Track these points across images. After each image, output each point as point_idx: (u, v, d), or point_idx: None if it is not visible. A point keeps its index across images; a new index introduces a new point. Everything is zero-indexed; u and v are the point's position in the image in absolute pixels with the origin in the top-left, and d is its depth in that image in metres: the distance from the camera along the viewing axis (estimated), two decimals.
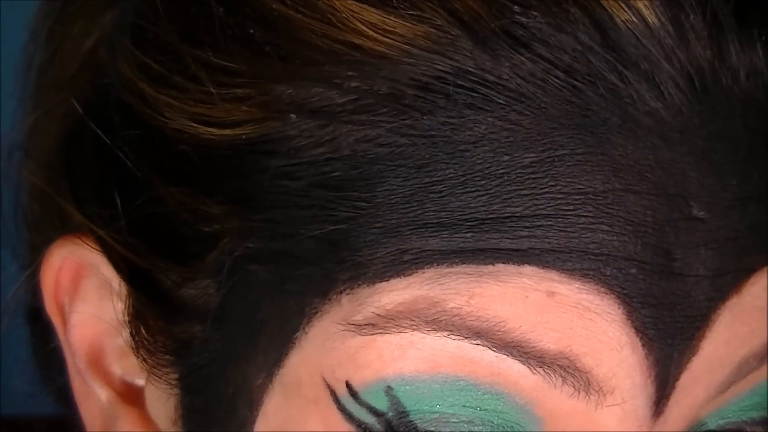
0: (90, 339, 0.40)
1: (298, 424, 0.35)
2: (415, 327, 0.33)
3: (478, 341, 0.33)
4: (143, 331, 0.39)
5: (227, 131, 0.34)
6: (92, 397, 0.40)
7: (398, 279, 0.33)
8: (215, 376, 0.37)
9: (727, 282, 0.35)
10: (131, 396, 0.40)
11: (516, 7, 0.32)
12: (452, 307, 0.33)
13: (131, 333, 0.39)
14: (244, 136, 0.34)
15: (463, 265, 0.33)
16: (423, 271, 0.33)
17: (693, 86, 0.33)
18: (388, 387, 0.33)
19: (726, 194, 0.34)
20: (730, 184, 0.34)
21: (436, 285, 0.33)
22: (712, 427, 0.36)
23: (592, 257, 0.33)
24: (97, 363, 0.40)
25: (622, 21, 0.32)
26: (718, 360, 0.35)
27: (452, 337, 0.33)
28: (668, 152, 0.34)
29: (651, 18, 0.33)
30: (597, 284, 0.33)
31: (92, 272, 0.39)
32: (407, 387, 0.33)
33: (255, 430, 0.36)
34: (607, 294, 0.34)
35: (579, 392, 0.34)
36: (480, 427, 0.33)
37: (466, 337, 0.33)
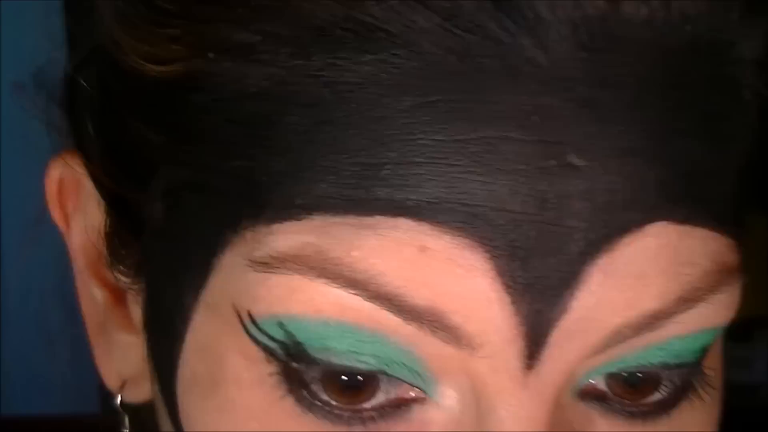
0: (87, 245, 0.42)
1: (216, 341, 0.36)
2: (301, 272, 0.33)
3: (354, 291, 0.33)
4: (117, 244, 0.41)
5: (163, 68, 0.35)
6: (90, 296, 0.43)
7: (291, 222, 0.33)
8: (161, 290, 0.39)
9: (601, 237, 0.33)
10: (120, 300, 0.42)
11: None
12: (333, 257, 0.33)
13: (107, 246, 0.41)
14: (175, 73, 0.35)
15: (347, 216, 0.33)
16: (312, 217, 0.33)
17: (577, 35, 0.32)
18: (280, 322, 0.34)
19: (605, 143, 0.32)
20: (611, 132, 0.32)
21: (322, 233, 0.33)
22: (613, 370, 0.35)
23: (463, 209, 0.32)
24: (93, 266, 0.42)
25: None
26: (591, 322, 0.33)
27: (332, 285, 0.33)
28: (548, 99, 0.32)
29: None
30: (466, 238, 0.32)
31: (86, 185, 0.41)
32: (296, 324, 0.34)
33: (185, 342, 0.37)
34: (476, 248, 0.32)
35: (451, 342, 0.33)
36: (365, 358, 0.34)
37: (344, 287, 0.33)
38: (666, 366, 0.35)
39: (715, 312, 0.35)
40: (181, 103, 0.35)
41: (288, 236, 0.33)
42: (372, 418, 0.34)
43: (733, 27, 0.34)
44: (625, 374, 0.35)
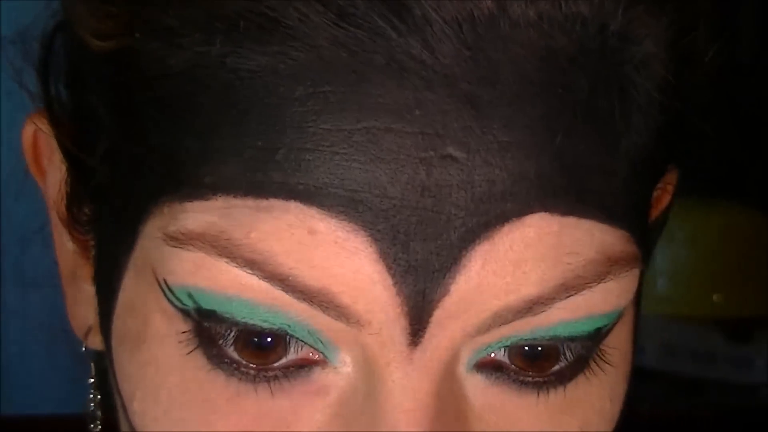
0: (59, 198, 0.44)
1: (142, 300, 0.38)
2: (205, 250, 0.35)
3: (252, 271, 0.35)
4: (75, 202, 0.43)
5: (102, 43, 0.38)
6: (64, 247, 0.45)
7: (199, 202, 0.35)
8: (103, 249, 0.42)
9: (480, 226, 0.34)
10: (87, 252, 0.44)
11: None
12: (233, 239, 0.35)
13: (67, 203, 0.43)
14: (111, 48, 0.38)
15: (246, 198, 0.35)
16: (216, 198, 0.35)
17: (463, 34, 0.34)
18: (189, 293, 0.37)
19: (486, 137, 0.34)
20: (492, 127, 0.34)
21: (225, 215, 0.35)
22: (508, 344, 0.37)
23: (347, 195, 0.34)
24: (66, 219, 0.44)
25: None
26: (471, 305, 0.35)
27: (233, 264, 0.35)
28: (430, 94, 0.34)
29: None
30: (351, 221, 0.34)
31: (54, 144, 0.44)
32: (203, 296, 0.36)
33: (118, 300, 0.40)
34: (359, 231, 0.34)
35: (341, 319, 0.35)
36: (270, 318, 0.36)
37: (243, 267, 0.35)
38: (557, 339, 0.37)
39: (604, 299, 0.37)
40: (115, 77, 0.38)
41: (196, 215, 0.36)
42: (276, 378, 0.37)
43: (625, 28, 0.35)
44: (526, 348, 0.37)
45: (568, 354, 0.37)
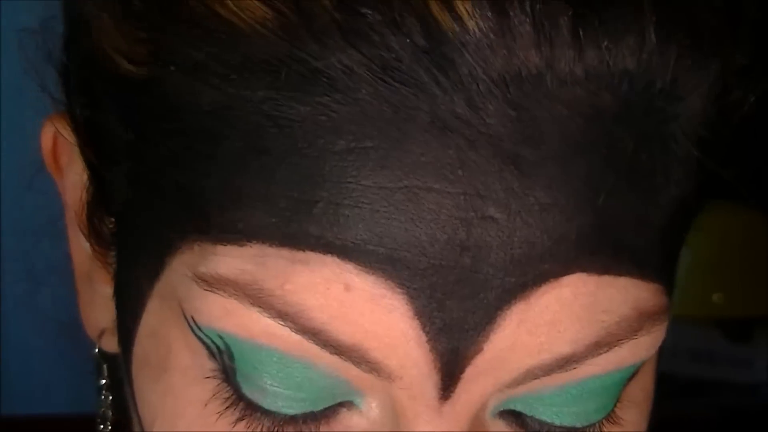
0: (76, 199, 0.43)
1: (167, 330, 0.38)
2: (237, 297, 0.35)
3: (284, 323, 0.35)
4: (95, 211, 0.42)
5: (132, 67, 0.37)
6: (79, 247, 0.45)
7: (232, 247, 0.35)
8: (125, 268, 0.41)
9: (517, 286, 0.34)
10: (104, 255, 0.43)
11: (353, 3, 0.33)
12: (267, 288, 0.35)
13: (87, 212, 0.43)
14: (140, 75, 0.37)
15: (281, 248, 0.34)
16: (251, 245, 0.35)
17: (509, 93, 0.33)
18: (219, 335, 0.36)
19: (527, 199, 0.34)
20: (534, 189, 0.34)
21: (259, 263, 0.35)
22: (533, 396, 0.37)
23: (385, 252, 0.34)
24: (81, 220, 0.44)
25: (447, 28, 0.33)
26: (504, 363, 0.35)
27: (264, 314, 0.35)
28: (472, 154, 0.33)
29: (473, 26, 0.33)
30: (388, 279, 0.34)
31: (75, 148, 0.43)
32: (232, 340, 0.36)
33: (140, 324, 0.39)
34: (396, 289, 0.34)
35: (372, 373, 0.35)
36: (291, 403, 0.36)
37: (275, 317, 0.35)
38: (576, 429, 0.37)
39: (633, 353, 0.37)
40: (142, 104, 0.37)
41: (228, 260, 0.35)
42: (304, 421, 0.36)
43: (672, 85, 0.35)
44: (539, 419, 0.37)
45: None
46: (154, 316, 0.39)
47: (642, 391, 0.39)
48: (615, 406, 0.38)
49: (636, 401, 0.39)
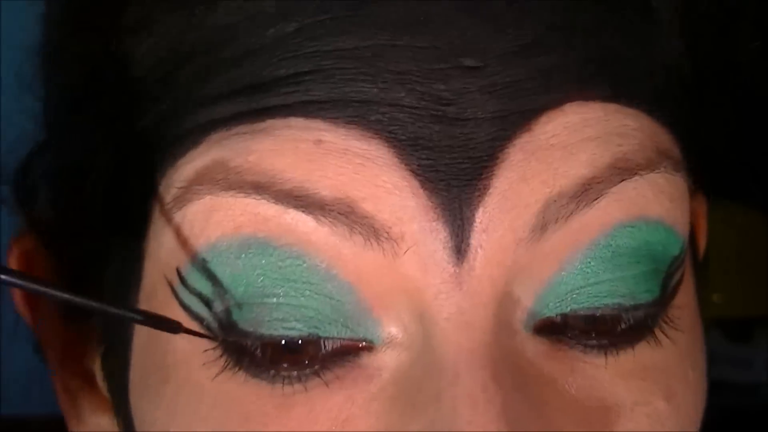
0: (51, 335, 0.44)
1: (156, 337, 0.36)
2: (209, 191, 0.34)
3: (259, 196, 0.33)
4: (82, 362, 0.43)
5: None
6: (63, 388, 0.45)
7: (192, 150, 0.35)
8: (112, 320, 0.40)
9: (512, 122, 0.33)
10: (91, 383, 0.43)
11: None
12: (234, 166, 0.34)
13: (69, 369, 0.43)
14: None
15: (241, 125, 0.34)
16: (209, 137, 0.34)
17: None
18: (203, 260, 0.34)
19: (502, 43, 0.33)
20: (506, 32, 0.33)
21: (221, 147, 0.34)
22: (566, 310, 0.34)
23: (355, 105, 0.33)
24: (59, 358, 0.44)
25: None
26: (518, 197, 0.33)
27: (239, 195, 0.34)
28: (437, 7, 0.33)
29: None
30: (362, 129, 0.33)
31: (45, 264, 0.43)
32: (218, 256, 0.34)
33: (132, 350, 0.38)
34: (373, 138, 0.33)
35: (370, 241, 0.33)
36: (292, 324, 0.34)
37: (249, 193, 0.33)
38: (621, 308, 0.35)
39: (655, 197, 0.34)
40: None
41: (192, 163, 0.35)
42: (326, 368, 0.34)
43: None
44: (582, 313, 0.35)
45: (630, 320, 0.35)
46: (142, 331, 0.37)
47: (686, 309, 0.38)
48: (654, 329, 0.36)
49: (681, 325, 0.38)
